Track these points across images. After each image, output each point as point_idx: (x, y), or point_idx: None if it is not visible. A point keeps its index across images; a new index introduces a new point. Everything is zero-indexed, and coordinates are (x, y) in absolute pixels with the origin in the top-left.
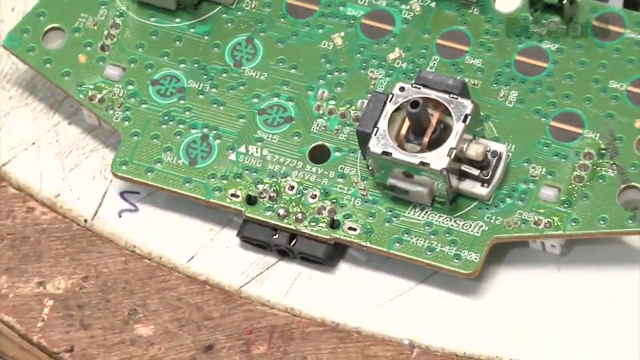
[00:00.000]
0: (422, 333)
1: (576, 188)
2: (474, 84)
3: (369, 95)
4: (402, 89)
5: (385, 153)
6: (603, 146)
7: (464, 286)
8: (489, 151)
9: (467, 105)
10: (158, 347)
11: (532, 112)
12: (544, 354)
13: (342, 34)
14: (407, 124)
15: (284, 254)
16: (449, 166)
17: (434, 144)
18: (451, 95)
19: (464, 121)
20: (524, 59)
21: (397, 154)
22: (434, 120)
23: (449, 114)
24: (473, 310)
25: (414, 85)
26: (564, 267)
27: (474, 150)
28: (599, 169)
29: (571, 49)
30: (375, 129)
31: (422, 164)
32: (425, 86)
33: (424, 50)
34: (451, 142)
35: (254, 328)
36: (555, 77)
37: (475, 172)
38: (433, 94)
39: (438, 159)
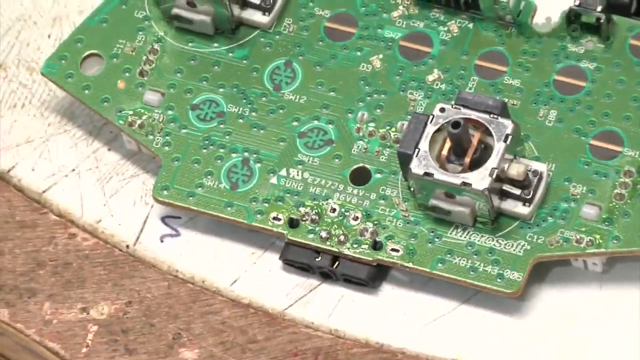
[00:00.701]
0: (466, 353)
1: (617, 206)
2: (513, 104)
3: (409, 116)
4: (442, 109)
5: (427, 174)
6: None
7: (507, 305)
8: (530, 170)
9: (508, 125)
10: None
11: (572, 131)
12: None
13: (381, 56)
14: (448, 144)
15: (326, 276)
16: (490, 186)
17: (475, 164)
18: (492, 116)
19: (505, 141)
20: (562, 78)
21: (439, 175)
22: (475, 141)
23: (490, 134)
24: (516, 329)
25: (454, 106)
26: (605, 285)
27: (516, 170)
28: (639, 186)
29: (609, 67)
30: (417, 150)
31: (464, 184)
32: (465, 106)
33: (462, 72)
34: (492, 162)
35: (298, 350)
36: (594, 96)
37: (517, 191)
38: (474, 115)
39: (480, 179)
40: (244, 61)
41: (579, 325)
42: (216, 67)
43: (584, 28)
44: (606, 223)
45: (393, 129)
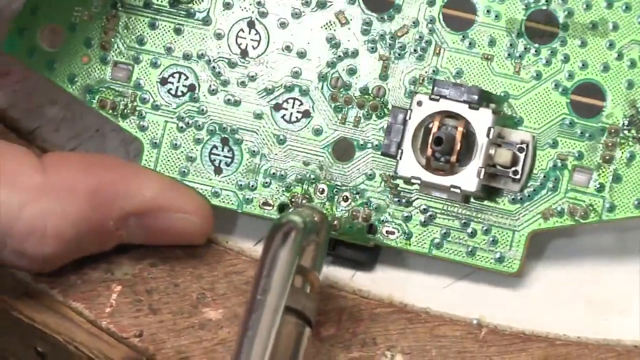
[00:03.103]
0: (489, 312)
1: (607, 170)
2: (487, 57)
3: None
4: (419, 103)
5: (414, 177)
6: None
7: (528, 268)
8: (516, 147)
9: (488, 117)
10: (227, 330)
11: (551, 86)
12: (613, 329)
13: (346, 11)
14: (432, 143)
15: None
16: (479, 186)
17: (462, 155)
18: (470, 106)
19: (488, 135)
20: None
21: (427, 177)
22: (458, 136)
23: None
24: (541, 290)
25: (431, 98)
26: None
27: (502, 158)
28: (626, 145)
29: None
30: (400, 152)
31: (453, 187)
32: (442, 96)
33: (430, 24)
34: (478, 161)
35: (322, 310)
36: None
37: (506, 171)
38: (452, 109)
39: (468, 180)
40: (206, 26)
41: (600, 280)
42: (179, 33)
43: None
44: (598, 190)
45: (367, 95)
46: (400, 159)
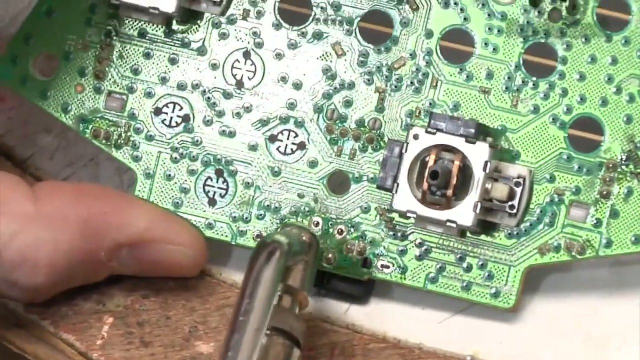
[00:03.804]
0: (485, 348)
1: (605, 205)
2: (485, 90)
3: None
4: (416, 136)
5: (409, 211)
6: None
7: (524, 302)
8: (512, 182)
9: (485, 151)
10: None
11: (548, 120)
12: None
13: (342, 41)
14: (428, 177)
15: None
16: (475, 220)
17: (458, 189)
18: (467, 140)
19: (484, 169)
20: (531, 57)
21: (422, 211)
22: (454, 170)
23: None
24: (537, 326)
25: (427, 131)
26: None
27: (499, 192)
28: (624, 181)
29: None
30: (396, 185)
31: (449, 221)
32: (439, 130)
33: (427, 56)
34: (474, 195)
35: (314, 345)
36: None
37: (503, 206)
38: (449, 142)
39: (464, 215)
40: (201, 56)
41: (596, 317)
42: (174, 63)
43: None
44: (595, 225)
45: (363, 128)
46: (396, 192)
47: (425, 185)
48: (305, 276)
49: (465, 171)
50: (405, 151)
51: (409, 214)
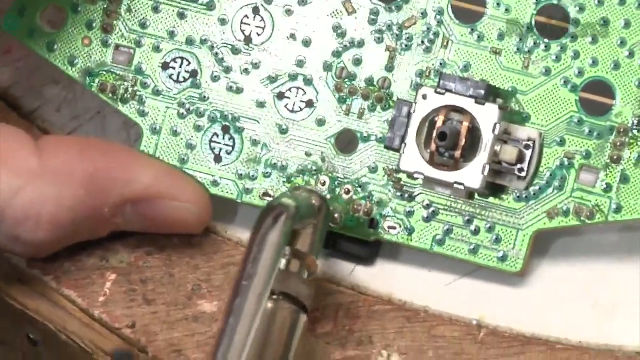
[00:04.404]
0: (491, 312)
1: (615, 170)
2: (496, 51)
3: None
4: (424, 96)
5: (417, 172)
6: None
7: (532, 266)
8: (522, 145)
9: (494, 113)
10: None
11: (560, 82)
12: (617, 332)
13: None
14: (435, 138)
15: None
16: (483, 183)
17: (467, 151)
18: (476, 101)
19: (493, 131)
20: (543, 19)
21: (430, 172)
22: (463, 131)
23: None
24: (545, 291)
25: (436, 91)
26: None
27: (508, 154)
28: (635, 146)
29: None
30: (404, 145)
31: (457, 183)
32: (448, 90)
33: (439, 15)
34: (483, 157)
35: (319, 305)
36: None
37: (512, 169)
38: (458, 103)
39: (472, 177)
40: (210, 11)
41: (604, 282)
42: (183, 17)
43: None
44: (605, 190)
45: (372, 86)
46: (403, 152)
47: (433, 146)
48: (314, 240)
49: (474, 133)
50: (414, 111)
51: (416, 175)
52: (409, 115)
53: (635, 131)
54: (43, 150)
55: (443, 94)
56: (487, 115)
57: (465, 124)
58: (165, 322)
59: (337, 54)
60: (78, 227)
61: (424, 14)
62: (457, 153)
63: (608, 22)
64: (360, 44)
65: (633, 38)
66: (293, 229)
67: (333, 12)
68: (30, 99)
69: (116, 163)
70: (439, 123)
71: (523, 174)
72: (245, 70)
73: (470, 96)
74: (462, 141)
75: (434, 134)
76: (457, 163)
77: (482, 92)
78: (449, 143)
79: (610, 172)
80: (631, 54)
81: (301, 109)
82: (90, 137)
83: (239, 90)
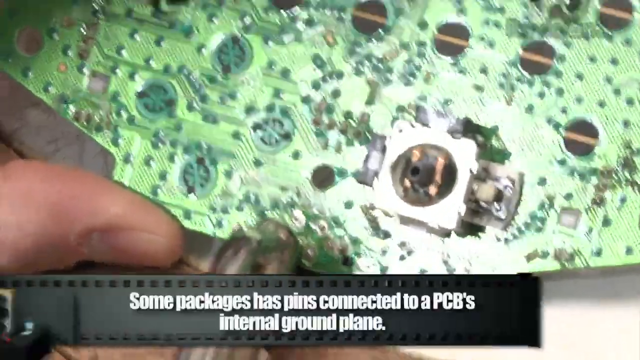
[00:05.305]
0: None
1: (597, 212)
2: (479, 87)
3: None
4: (400, 130)
5: (390, 209)
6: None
7: None
8: (500, 183)
9: (472, 150)
10: None
11: (544, 120)
12: None
13: (333, 29)
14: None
15: None
16: (459, 223)
17: (444, 189)
18: (453, 137)
19: (470, 169)
20: (529, 55)
21: (404, 211)
22: (439, 167)
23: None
24: None
25: (413, 125)
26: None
27: (485, 194)
28: (619, 188)
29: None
30: (377, 181)
31: (432, 222)
32: (425, 125)
33: (421, 48)
34: (459, 195)
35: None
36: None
37: (489, 209)
38: (434, 138)
39: (448, 216)
40: (190, 37)
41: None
42: (160, 44)
43: None
44: (586, 234)
45: (351, 120)
46: (377, 188)
47: (407, 182)
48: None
49: (452, 169)
50: (388, 146)
51: (390, 212)
52: (384, 149)
53: (619, 173)
54: (9, 175)
55: (419, 128)
56: (464, 152)
57: (441, 160)
58: (127, 355)
59: (316, 85)
60: (42, 254)
61: (405, 46)
62: (433, 190)
63: (595, 60)
64: (340, 76)
65: (619, 76)
66: (257, 262)
67: (313, 43)
68: (10, 120)
69: (82, 191)
70: (413, 158)
71: (501, 214)
72: (222, 100)
73: (448, 132)
74: (437, 177)
75: (408, 166)
76: (432, 200)
77: (460, 128)
78: (422, 179)
79: (592, 215)
80: (617, 92)
81: (277, 142)
82: (59, 164)
83: (214, 121)
